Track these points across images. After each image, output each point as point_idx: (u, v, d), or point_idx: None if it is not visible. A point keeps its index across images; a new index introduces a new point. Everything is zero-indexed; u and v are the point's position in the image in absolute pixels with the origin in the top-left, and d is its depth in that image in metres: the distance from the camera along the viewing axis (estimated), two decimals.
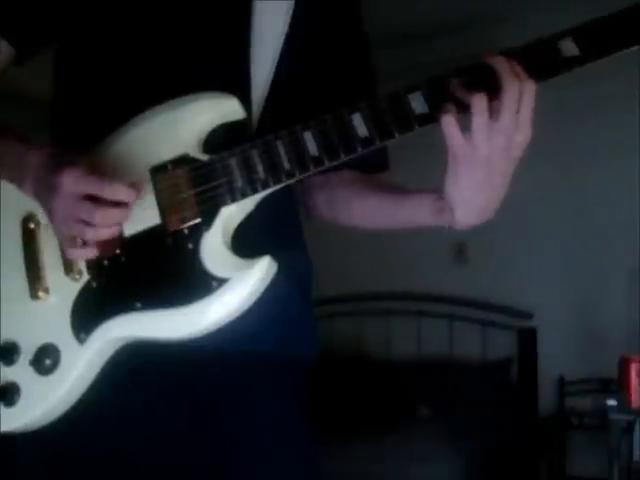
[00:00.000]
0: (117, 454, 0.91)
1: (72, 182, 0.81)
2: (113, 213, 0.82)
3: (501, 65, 0.78)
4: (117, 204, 0.82)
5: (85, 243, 0.84)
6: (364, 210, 1.03)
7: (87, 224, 0.81)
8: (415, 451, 2.99)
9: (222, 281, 0.83)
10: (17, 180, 0.89)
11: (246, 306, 0.83)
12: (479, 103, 0.77)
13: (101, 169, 0.87)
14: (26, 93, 2.86)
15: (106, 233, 0.83)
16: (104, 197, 0.81)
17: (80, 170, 0.81)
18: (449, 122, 0.79)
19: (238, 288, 0.83)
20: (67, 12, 0.95)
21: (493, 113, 0.78)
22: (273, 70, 0.96)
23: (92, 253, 0.85)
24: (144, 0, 0.94)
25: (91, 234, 0.82)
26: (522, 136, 0.79)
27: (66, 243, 0.85)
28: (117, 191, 0.82)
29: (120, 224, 0.84)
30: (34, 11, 0.96)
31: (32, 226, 0.91)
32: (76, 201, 0.81)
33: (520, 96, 0.78)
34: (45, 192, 0.84)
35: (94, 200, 0.81)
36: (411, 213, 0.96)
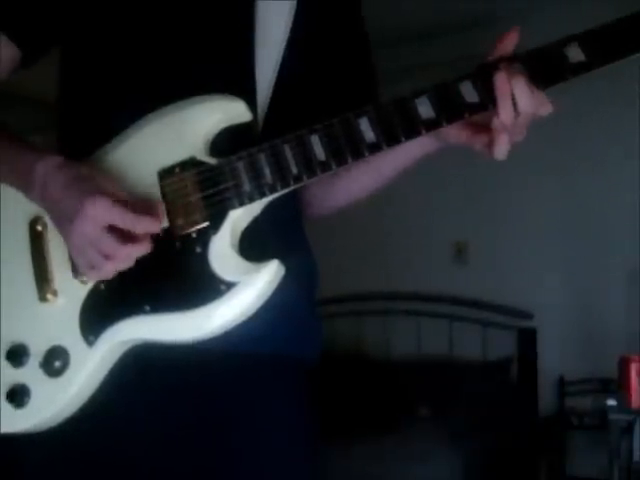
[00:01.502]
0: (123, 455, 0.91)
1: (99, 212, 0.80)
2: (137, 249, 0.83)
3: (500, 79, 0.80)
4: (137, 235, 0.82)
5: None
6: (349, 181, 1.04)
7: (107, 257, 0.82)
8: (415, 451, 2.99)
9: (230, 285, 0.83)
10: (23, 189, 0.89)
11: (254, 309, 0.84)
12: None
13: (108, 172, 0.87)
14: (27, 93, 2.86)
15: (124, 266, 0.84)
16: (131, 230, 0.82)
17: (106, 200, 0.81)
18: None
19: (246, 292, 0.83)
20: (73, 14, 0.95)
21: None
22: (276, 72, 0.96)
23: (107, 276, 0.85)
24: (149, 2, 0.95)
25: (110, 268, 0.83)
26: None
27: (81, 266, 0.86)
28: (143, 224, 0.82)
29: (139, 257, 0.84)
30: (40, 14, 0.96)
31: (39, 228, 0.91)
32: (101, 233, 0.81)
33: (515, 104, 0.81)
34: (61, 213, 0.84)
35: (116, 230, 0.81)
36: (394, 157, 0.97)
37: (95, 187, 0.82)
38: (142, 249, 0.83)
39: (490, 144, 0.86)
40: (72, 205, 0.82)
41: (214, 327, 0.84)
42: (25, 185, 0.88)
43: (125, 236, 0.82)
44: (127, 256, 0.83)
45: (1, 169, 0.91)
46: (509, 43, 0.84)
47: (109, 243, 0.81)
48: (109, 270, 0.84)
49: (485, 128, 0.86)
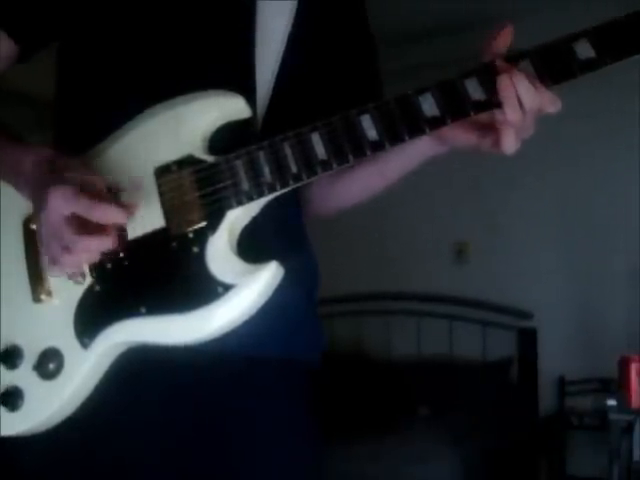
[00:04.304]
0: (119, 458, 0.90)
1: (60, 202, 0.78)
2: (96, 242, 0.80)
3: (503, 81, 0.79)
4: (103, 227, 0.80)
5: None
6: (352, 180, 1.03)
7: (67, 250, 0.80)
8: (415, 451, 2.99)
9: (228, 287, 0.82)
10: (14, 184, 0.88)
11: (252, 312, 0.83)
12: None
13: (103, 170, 0.86)
14: (27, 91, 2.85)
15: (85, 259, 0.82)
16: (92, 220, 0.79)
17: (69, 189, 0.78)
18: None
19: (244, 294, 0.82)
20: (71, 10, 0.94)
21: None
22: (277, 69, 0.95)
23: (71, 273, 0.84)
24: (148, 0, 0.94)
25: (69, 261, 0.81)
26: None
27: (46, 259, 0.84)
28: (106, 213, 0.79)
29: (102, 251, 0.82)
30: (38, 8, 0.95)
31: (34, 227, 0.89)
32: (60, 223, 0.79)
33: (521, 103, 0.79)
34: (36, 205, 0.83)
35: (81, 221, 0.79)
36: (398, 159, 0.96)
37: (61, 179, 0.80)
38: (105, 242, 0.80)
39: (497, 142, 0.84)
40: (40, 197, 0.80)
41: (211, 330, 0.83)
42: (15, 180, 0.88)
43: (90, 228, 0.79)
44: (86, 248, 0.80)
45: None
46: (503, 41, 0.83)
47: (68, 234, 0.79)
48: (67, 263, 0.81)
49: (491, 126, 0.84)
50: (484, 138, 0.87)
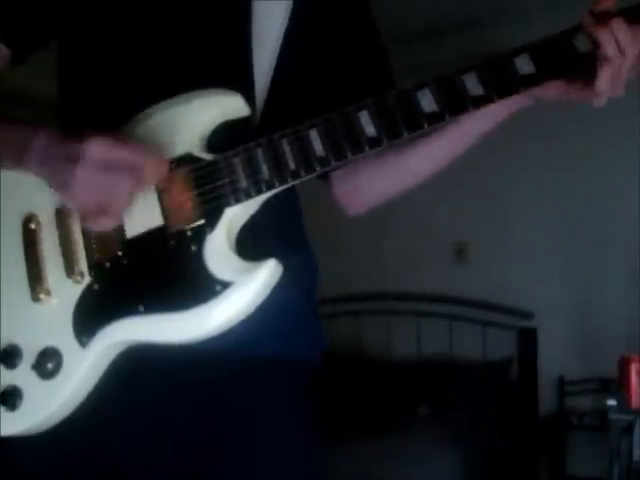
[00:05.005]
0: (118, 457, 0.90)
1: (99, 149, 0.79)
2: (141, 176, 0.80)
3: None
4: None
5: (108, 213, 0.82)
6: (400, 166, 1.02)
7: (115, 188, 0.80)
8: (415, 451, 2.99)
9: (226, 285, 0.82)
10: (18, 162, 0.86)
11: (251, 310, 0.82)
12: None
13: None
14: (27, 91, 2.85)
15: (127, 201, 0.82)
16: (136, 163, 0.80)
17: (105, 137, 0.79)
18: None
19: (243, 292, 0.81)
20: (67, 11, 0.94)
21: None
22: (274, 67, 0.96)
23: (116, 220, 0.83)
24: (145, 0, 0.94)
25: (116, 203, 0.81)
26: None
27: (87, 216, 0.83)
28: (142, 158, 0.80)
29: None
30: (29, 13, 0.94)
31: (33, 227, 0.89)
32: (103, 168, 0.79)
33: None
34: (59, 164, 0.81)
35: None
36: (462, 130, 0.95)
37: (91, 134, 0.80)
38: (151, 176, 0.81)
39: (589, 85, 0.85)
40: (72, 149, 0.80)
41: (210, 328, 0.82)
42: (20, 157, 0.85)
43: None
44: (135, 182, 0.80)
45: None
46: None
47: (111, 177, 0.79)
48: (114, 207, 0.81)
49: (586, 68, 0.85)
50: (573, 84, 0.88)
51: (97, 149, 0.79)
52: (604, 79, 0.83)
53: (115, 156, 0.80)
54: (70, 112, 0.99)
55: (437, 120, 0.82)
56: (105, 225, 0.83)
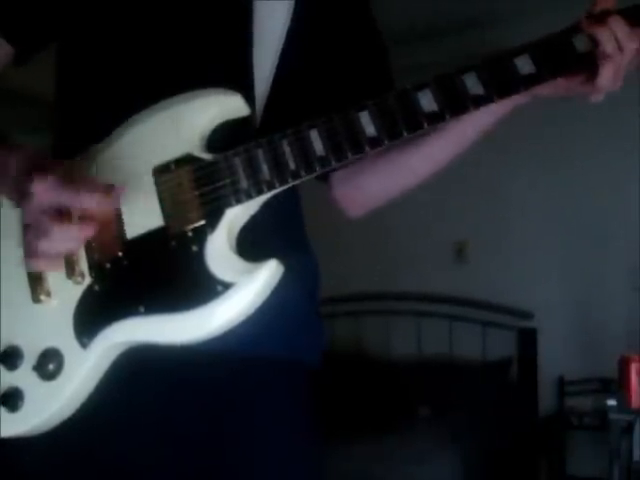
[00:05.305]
0: (119, 458, 0.90)
1: (41, 192, 0.78)
2: (73, 230, 0.79)
3: None
4: (86, 217, 0.79)
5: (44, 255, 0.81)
6: (402, 166, 1.03)
7: (45, 236, 0.79)
8: (415, 451, 2.99)
9: (227, 285, 0.82)
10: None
11: (252, 310, 0.82)
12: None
13: (102, 168, 0.86)
14: (27, 91, 2.85)
15: (64, 249, 0.81)
16: (73, 208, 0.79)
17: (51, 179, 0.78)
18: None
19: (244, 292, 0.81)
20: (68, 11, 0.94)
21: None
22: (275, 68, 0.96)
23: (51, 266, 0.83)
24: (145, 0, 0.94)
25: (45, 246, 0.80)
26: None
27: (25, 252, 0.83)
28: (87, 201, 0.79)
29: (82, 240, 0.82)
30: (34, 11, 0.95)
31: None
32: (40, 212, 0.78)
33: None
34: (11, 191, 0.83)
35: (63, 211, 0.79)
36: (462, 127, 0.95)
37: (44, 168, 0.79)
38: (81, 232, 0.80)
39: (590, 80, 0.86)
40: (22, 187, 0.79)
41: (211, 329, 0.82)
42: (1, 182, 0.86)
43: (73, 218, 0.79)
44: (65, 237, 0.79)
45: None
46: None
47: (47, 223, 0.78)
48: (44, 249, 0.80)
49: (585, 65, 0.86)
50: (573, 82, 0.88)
51: (43, 191, 0.78)
52: (606, 76, 0.84)
53: (61, 201, 0.78)
54: (69, 112, 0.99)
55: (437, 120, 0.82)
56: (33, 267, 0.84)
